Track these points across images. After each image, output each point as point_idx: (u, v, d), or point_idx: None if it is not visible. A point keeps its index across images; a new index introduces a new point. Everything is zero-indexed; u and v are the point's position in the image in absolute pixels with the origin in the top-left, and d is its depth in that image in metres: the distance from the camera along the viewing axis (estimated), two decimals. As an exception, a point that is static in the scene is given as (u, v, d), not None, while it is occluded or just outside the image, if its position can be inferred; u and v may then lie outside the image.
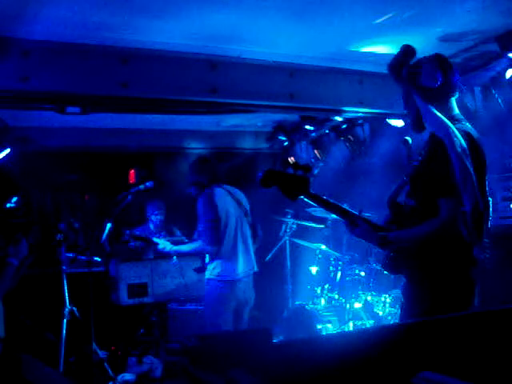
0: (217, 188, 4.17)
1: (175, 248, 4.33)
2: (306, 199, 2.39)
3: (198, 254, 4.27)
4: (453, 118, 2.33)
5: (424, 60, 2.33)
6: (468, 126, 2.34)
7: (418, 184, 2.32)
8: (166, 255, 4.42)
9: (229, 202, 4.17)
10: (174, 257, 4.37)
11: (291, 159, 7.01)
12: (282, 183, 2.36)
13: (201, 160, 4.38)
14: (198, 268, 4.28)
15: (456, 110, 2.40)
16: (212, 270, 4.09)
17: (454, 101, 2.40)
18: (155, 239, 4.48)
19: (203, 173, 4.21)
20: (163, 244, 4.35)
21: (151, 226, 5.74)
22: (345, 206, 2.47)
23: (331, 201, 2.44)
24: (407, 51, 2.33)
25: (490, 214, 2.32)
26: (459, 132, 2.21)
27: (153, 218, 5.71)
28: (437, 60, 2.33)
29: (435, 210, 2.17)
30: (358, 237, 2.43)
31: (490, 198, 2.32)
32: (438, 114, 2.25)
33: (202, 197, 4.10)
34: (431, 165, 2.21)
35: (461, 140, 2.14)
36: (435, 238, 2.19)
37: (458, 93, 2.40)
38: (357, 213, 2.44)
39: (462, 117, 2.40)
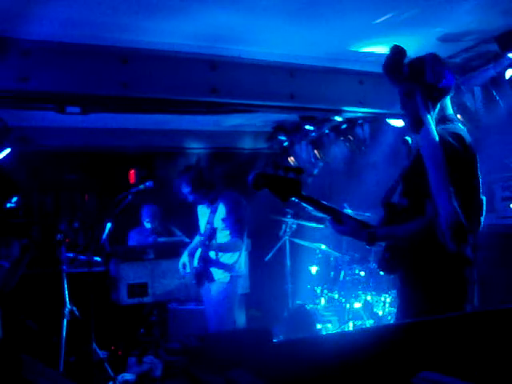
0: (231, 189, 4.34)
1: (214, 244, 4.13)
2: (297, 200, 2.40)
3: (233, 251, 4.20)
4: (445, 118, 2.33)
5: (425, 58, 2.32)
6: (460, 126, 2.33)
7: (409, 184, 2.33)
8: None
9: None
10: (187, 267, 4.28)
11: (291, 159, 6.95)
12: (273, 186, 2.36)
13: (203, 167, 4.41)
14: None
15: (450, 110, 2.39)
16: (238, 267, 4.22)
17: (448, 100, 2.39)
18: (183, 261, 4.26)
19: (209, 176, 4.31)
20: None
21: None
22: (337, 208, 2.47)
23: (323, 202, 2.44)
24: (399, 51, 2.30)
25: (483, 214, 2.32)
26: (449, 133, 2.20)
27: (145, 224, 5.73)
28: (438, 58, 2.34)
29: (425, 209, 2.18)
30: (345, 234, 2.44)
31: (483, 197, 2.32)
32: (431, 121, 2.23)
33: (233, 196, 4.24)
34: (419, 165, 2.21)
35: (438, 151, 2.12)
36: (422, 236, 2.20)
37: (452, 92, 2.39)
38: (350, 214, 2.45)
39: (455, 117, 2.39)
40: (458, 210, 2.04)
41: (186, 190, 4.24)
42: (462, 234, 2.07)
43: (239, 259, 4.23)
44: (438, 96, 2.32)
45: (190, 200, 4.30)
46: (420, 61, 2.32)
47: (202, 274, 4.20)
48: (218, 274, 4.19)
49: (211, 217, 4.25)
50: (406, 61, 2.34)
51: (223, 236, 4.16)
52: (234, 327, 4.09)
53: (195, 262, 4.26)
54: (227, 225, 4.16)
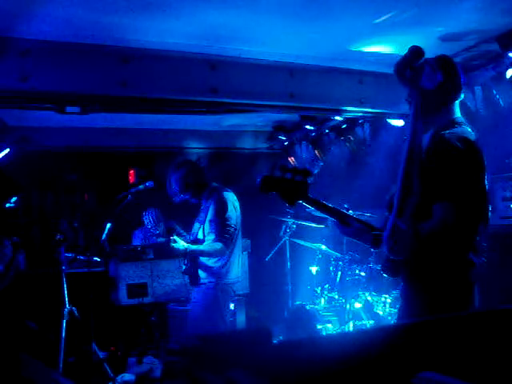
0: (225, 188, 4.08)
1: (192, 248, 3.87)
2: (304, 203, 2.39)
3: (214, 256, 3.91)
4: (453, 122, 2.29)
5: (426, 61, 2.27)
6: (467, 129, 2.28)
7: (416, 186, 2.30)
8: (180, 254, 3.92)
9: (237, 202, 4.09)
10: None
11: (291, 159, 6.93)
12: (281, 189, 2.34)
13: (193, 162, 4.28)
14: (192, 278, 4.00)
15: (457, 114, 2.35)
16: (225, 273, 3.93)
17: (456, 104, 2.35)
18: (175, 237, 3.87)
19: (202, 173, 4.14)
20: (179, 244, 3.82)
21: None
22: (344, 210, 2.46)
23: (330, 205, 2.43)
24: (414, 52, 2.21)
25: (489, 220, 2.29)
26: (457, 137, 2.18)
27: (149, 227, 5.73)
28: (439, 61, 2.29)
29: (431, 212, 2.16)
30: (349, 236, 2.43)
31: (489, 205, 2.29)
32: (418, 131, 2.19)
33: (223, 196, 3.94)
34: (426, 167, 2.17)
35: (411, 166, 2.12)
36: (430, 240, 2.17)
37: (462, 95, 2.34)
38: (355, 216, 2.42)
39: (463, 120, 2.35)
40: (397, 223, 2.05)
41: (171, 191, 4.05)
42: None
43: (228, 265, 3.93)
44: (436, 100, 2.27)
45: (176, 201, 4.08)
46: (421, 64, 2.25)
47: (190, 274, 3.98)
48: (203, 277, 3.95)
49: (202, 216, 4.01)
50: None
51: (210, 239, 3.91)
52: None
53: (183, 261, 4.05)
54: (212, 227, 3.90)
